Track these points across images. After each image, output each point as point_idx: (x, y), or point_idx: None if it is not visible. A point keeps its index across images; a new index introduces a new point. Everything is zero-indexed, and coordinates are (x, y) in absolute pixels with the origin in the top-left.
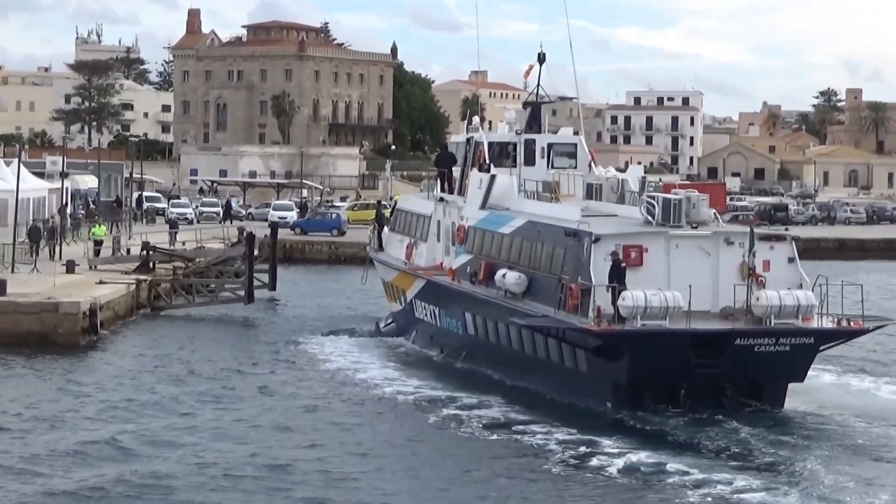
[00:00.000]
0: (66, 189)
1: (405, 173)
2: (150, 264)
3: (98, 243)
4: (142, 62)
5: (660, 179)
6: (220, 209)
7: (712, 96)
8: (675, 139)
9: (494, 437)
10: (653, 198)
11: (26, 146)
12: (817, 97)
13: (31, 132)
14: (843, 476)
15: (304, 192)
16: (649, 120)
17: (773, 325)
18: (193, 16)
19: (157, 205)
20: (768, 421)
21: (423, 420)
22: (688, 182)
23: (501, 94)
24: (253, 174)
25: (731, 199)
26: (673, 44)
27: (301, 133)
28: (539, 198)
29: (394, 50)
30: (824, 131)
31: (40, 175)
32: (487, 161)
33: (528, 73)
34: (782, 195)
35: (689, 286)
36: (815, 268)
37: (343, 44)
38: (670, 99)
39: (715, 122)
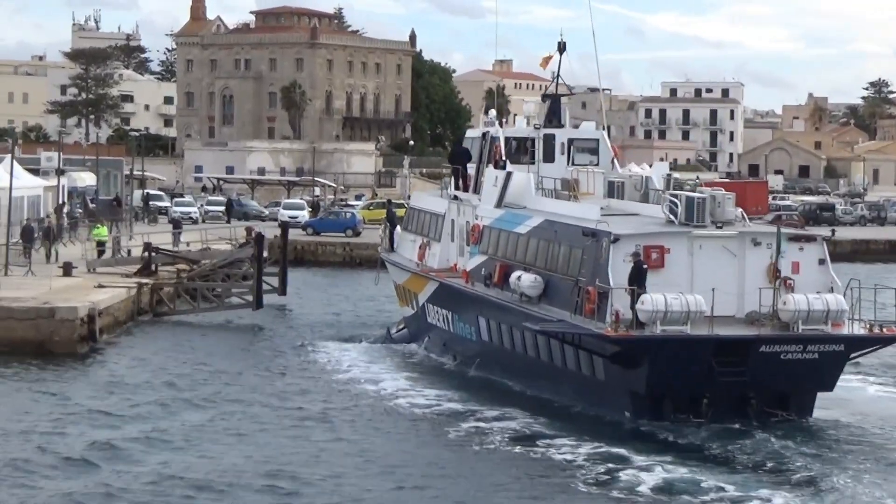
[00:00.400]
0: (63, 187)
1: (424, 170)
2: (153, 267)
3: (100, 244)
4: (142, 50)
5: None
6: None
7: (754, 88)
8: (714, 134)
9: (518, 450)
10: (676, 196)
11: (20, 141)
12: (867, 88)
13: (24, 126)
14: (880, 491)
15: (317, 191)
16: (686, 113)
17: (800, 331)
18: (198, 1)
19: (160, 203)
20: (798, 432)
21: (442, 434)
22: (727, 180)
23: (528, 86)
24: (262, 171)
25: (774, 199)
26: (712, 31)
27: (313, 127)
28: (557, 196)
29: (412, 37)
30: (874, 125)
31: (35, 172)
32: (503, 157)
33: (546, 62)
34: (829, 194)
35: (713, 289)
36: (863, 271)
37: (358, 31)
38: (709, 91)
39: (757, 116)
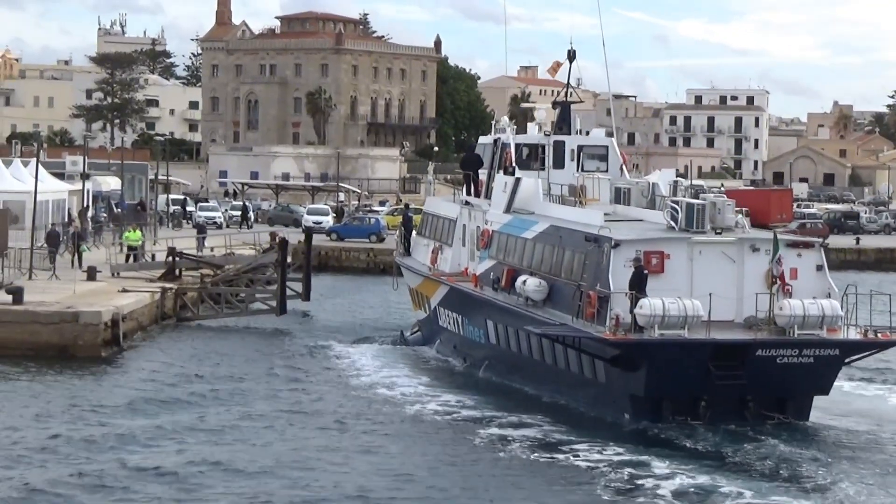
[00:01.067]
0: (88, 191)
1: (449, 176)
2: (176, 271)
3: (132, 249)
4: (168, 55)
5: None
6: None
7: (779, 95)
8: (739, 141)
9: (538, 457)
10: (676, 202)
11: (45, 145)
12: (893, 97)
13: (50, 130)
14: (876, 494)
15: (341, 196)
16: (711, 120)
17: (796, 335)
18: (223, 5)
19: (185, 208)
20: (798, 435)
21: (462, 440)
22: (752, 188)
23: (553, 92)
24: (286, 176)
25: (799, 207)
26: (738, 39)
27: (338, 133)
28: (564, 202)
29: (437, 43)
30: None
31: (60, 176)
32: (513, 163)
33: (555, 70)
34: (853, 202)
35: (711, 294)
36: (887, 281)
37: (383, 36)
38: (734, 98)
39: (781, 124)
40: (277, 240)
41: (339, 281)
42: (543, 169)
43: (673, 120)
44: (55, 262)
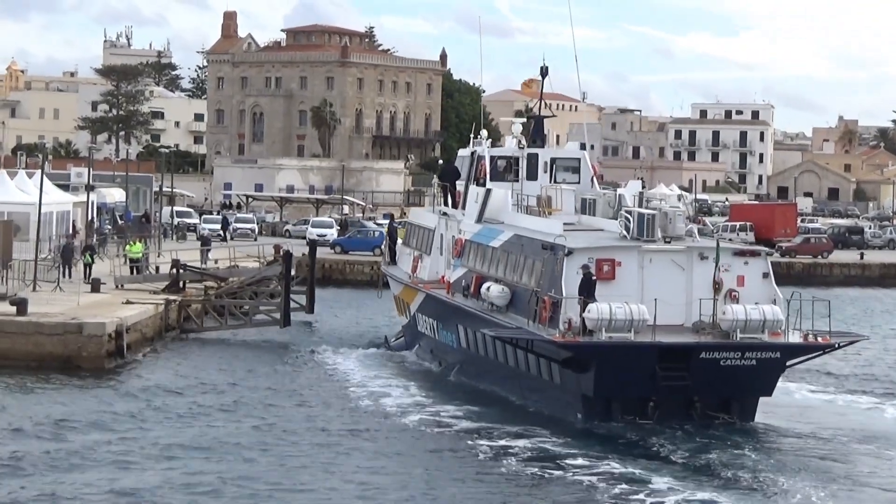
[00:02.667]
0: (92, 203)
1: None
2: (181, 284)
3: (135, 261)
4: (173, 67)
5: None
6: (255, 225)
7: (784, 110)
8: (744, 156)
9: (533, 471)
10: (630, 212)
11: (50, 156)
12: None
13: (55, 141)
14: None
15: (346, 209)
16: (716, 135)
17: (738, 339)
18: (229, 18)
19: (189, 220)
20: (738, 435)
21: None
22: (756, 202)
23: (558, 106)
24: (291, 189)
25: (803, 221)
26: (741, 53)
27: (342, 145)
28: (530, 212)
29: (443, 57)
30: None
31: (64, 188)
32: (487, 175)
33: (527, 86)
34: (858, 217)
35: (655, 300)
36: (891, 297)
37: (388, 50)
38: (739, 112)
39: (786, 138)
40: (281, 252)
41: (343, 293)
42: (518, 180)
43: (678, 134)
44: (70, 276)
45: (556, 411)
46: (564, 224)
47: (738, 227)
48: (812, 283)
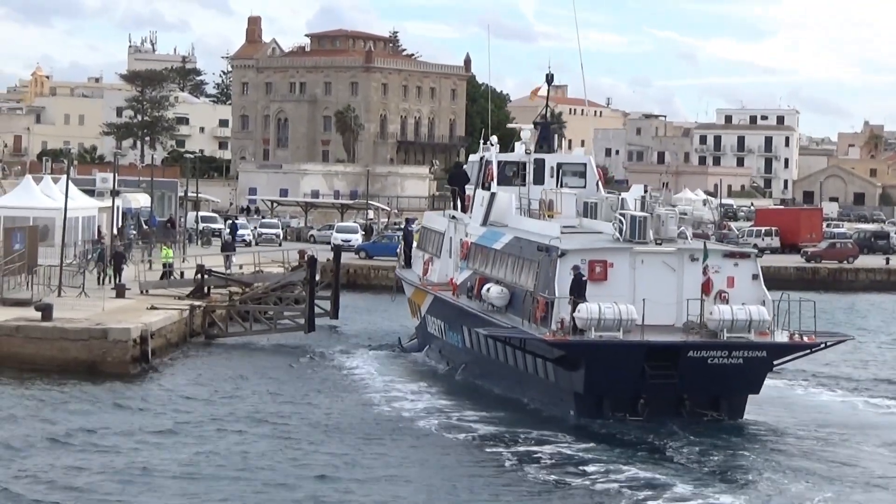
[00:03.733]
0: (117, 208)
1: None
2: (205, 289)
3: (167, 266)
4: (198, 73)
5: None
6: (279, 230)
7: (809, 115)
8: (769, 161)
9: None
10: (623, 215)
11: (75, 162)
12: None
13: (80, 147)
14: (798, 485)
15: (370, 214)
16: (741, 140)
17: (725, 338)
18: (253, 23)
19: (213, 226)
20: (726, 431)
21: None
22: (781, 207)
23: (582, 111)
24: (315, 194)
25: (828, 226)
26: (765, 57)
27: (367, 150)
28: (532, 215)
29: (467, 62)
30: None
31: (90, 193)
32: (495, 179)
33: (535, 93)
34: (884, 222)
35: (644, 300)
36: None
37: (413, 55)
38: (764, 118)
39: (812, 143)
40: (306, 258)
41: (368, 299)
42: (524, 185)
43: (703, 139)
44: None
45: (551, 408)
46: (564, 227)
47: (763, 231)
48: (838, 288)
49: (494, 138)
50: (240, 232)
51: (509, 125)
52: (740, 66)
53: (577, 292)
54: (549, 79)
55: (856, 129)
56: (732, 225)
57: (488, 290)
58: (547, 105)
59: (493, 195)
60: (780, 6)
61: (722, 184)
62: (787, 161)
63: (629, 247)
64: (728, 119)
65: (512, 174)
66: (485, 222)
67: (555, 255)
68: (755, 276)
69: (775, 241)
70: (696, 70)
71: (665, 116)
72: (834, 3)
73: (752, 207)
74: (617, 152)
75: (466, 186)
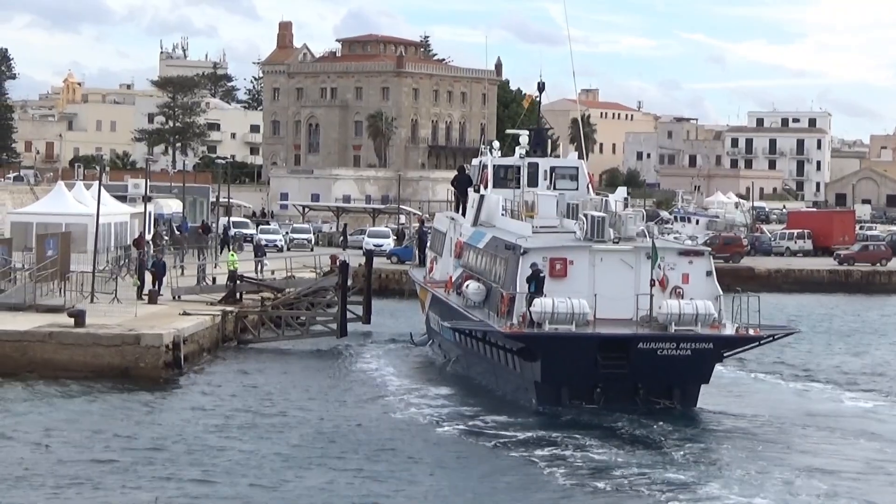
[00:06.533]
0: (150, 214)
1: None
2: (237, 295)
3: (233, 271)
4: (229, 79)
5: (783, 207)
6: (311, 236)
7: (840, 117)
8: (801, 163)
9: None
10: (585, 215)
11: (107, 168)
12: None
13: (112, 153)
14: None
15: (402, 219)
16: (773, 143)
17: (673, 331)
18: (284, 29)
19: (245, 231)
20: (677, 419)
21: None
22: (814, 209)
23: (613, 115)
24: (347, 199)
25: (861, 228)
26: (796, 60)
27: (398, 155)
28: (514, 216)
29: (498, 66)
30: None
31: (122, 199)
32: (490, 182)
33: (530, 101)
34: None
35: (596, 295)
36: None
37: (444, 59)
38: (795, 120)
39: (844, 146)
40: (338, 263)
41: (400, 304)
42: (519, 187)
43: (735, 142)
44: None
45: (516, 396)
46: (541, 227)
47: (795, 234)
48: (870, 290)
49: (496, 143)
50: (271, 237)
51: (508, 130)
52: (770, 68)
53: (536, 288)
54: (541, 87)
55: (888, 132)
56: (765, 228)
57: (467, 286)
58: (539, 112)
59: (482, 197)
60: (810, 9)
61: (754, 187)
62: (819, 163)
63: (588, 245)
64: (759, 122)
65: (507, 177)
66: (475, 223)
67: (518, 253)
68: (709, 273)
69: (808, 244)
70: (725, 73)
71: (696, 119)
72: (864, 5)
73: (784, 210)
74: (648, 156)
75: (470, 189)
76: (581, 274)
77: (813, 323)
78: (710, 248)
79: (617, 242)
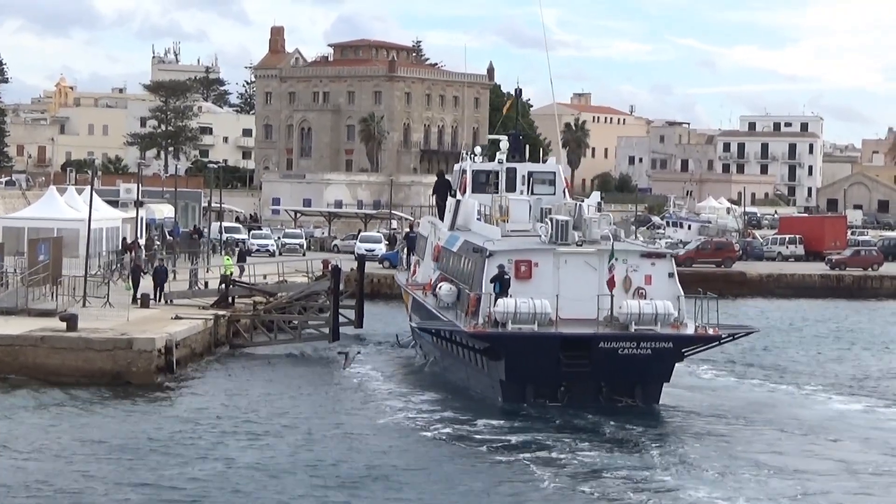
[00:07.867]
0: (141, 219)
1: None
2: (230, 299)
3: (226, 276)
4: (221, 83)
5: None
6: (303, 241)
7: (832, 122)
8: (793, 168)
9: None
10: (550, 219)
11: (99, 173)
12: None
13: (104, 158)
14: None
15: (394, 223)
16: (765, 147)
17: (633, 330)
18: (276, 33)
19: (237, 236)
20: (639, 416)
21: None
22: (805, 214)
23: (606, 119)
24: (339, 204)
25: (853, 233)
26: (788, 65)
27: (391, 160)
28: (488, 221)
29: (490, 70)
30: None
31: (114, 203)
32: (469, 187)
33: (508, 107)
34: None
35: (557, 295)
36: None
37: (436, 64)
38: (787, 125)
39: (836, 150)
40: (330, 267)
41: (391, 308)
42: (497, 192)
43: (727, 147)
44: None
45: (485, 394)
46: (512, 231)
47: (787, 239)
48: (862, 296)
49: (478, 148)
50: (263, 242)
51: (489, 136)
52: (762, 73)
53: (501, 289)
54: (518, 93)
55: (880, 136)
56: (757, 233)
57: (440, 287)
58: (517, 118)
59: (458, 202)
60: (802, 14)
61: (746, 192)
62: (811, 168)
63: (553, 248)
64: (751, 126)
65: (486, 183)
66: (452, 227)
67: (484, 256)
68: (671, 275)
69: (799, 249)
70: (717, 78)
71: (688, 124)
72: (857, 11)
73: (775, 215)
74: (640, 160)
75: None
76: (546, 275)
77: (812, 324)
78: (672, 251)
79: (581, 245)
